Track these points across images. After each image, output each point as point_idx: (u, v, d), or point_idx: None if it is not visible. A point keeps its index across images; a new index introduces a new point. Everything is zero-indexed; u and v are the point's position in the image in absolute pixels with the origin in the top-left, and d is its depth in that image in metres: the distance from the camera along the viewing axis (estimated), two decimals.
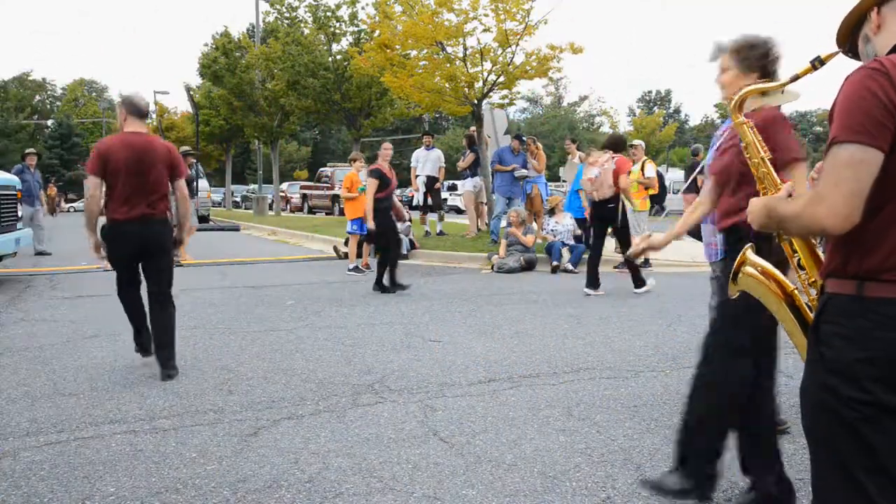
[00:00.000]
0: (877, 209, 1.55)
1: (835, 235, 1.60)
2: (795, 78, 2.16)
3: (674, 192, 20.91)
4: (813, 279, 2.02)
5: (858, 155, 1.51)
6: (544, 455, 3.47)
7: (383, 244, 8.84)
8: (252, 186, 37.99)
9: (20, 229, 9.84)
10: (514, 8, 12.76)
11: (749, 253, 2.30)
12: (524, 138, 12.62)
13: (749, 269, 2.29)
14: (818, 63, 2.03)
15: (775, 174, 2.18)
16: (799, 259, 2.06)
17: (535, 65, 13.36)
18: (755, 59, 2.73)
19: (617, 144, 8.92)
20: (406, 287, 8.62)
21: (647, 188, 10.21)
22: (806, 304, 2.11)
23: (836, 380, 1.59)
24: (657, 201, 11.52)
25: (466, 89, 13.68)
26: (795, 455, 3.44)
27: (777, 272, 2.23)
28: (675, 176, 27.06)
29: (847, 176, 1.51)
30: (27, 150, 13.83)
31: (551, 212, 11.42)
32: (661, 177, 10.96)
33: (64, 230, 19.89)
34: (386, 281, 8.59)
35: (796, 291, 2.15)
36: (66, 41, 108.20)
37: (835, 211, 1.52)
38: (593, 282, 8.44)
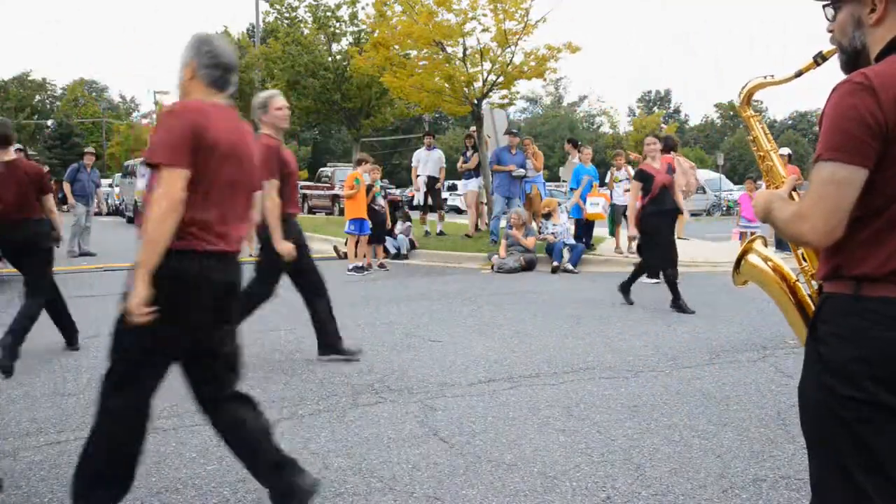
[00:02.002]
0: (867, 221, 1.57)
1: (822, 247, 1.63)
2: (800, 73, 2.17)
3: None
4: (814, 272, 2.03)
5: (840, 173, 1.52)
6: (544, 455, 3.47)
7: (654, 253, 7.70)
8: None
9: None
10: (512, 7, 12.76)
11: (757, 244, 2.31)
12: (515, 132, 12.69)
13: (753, 258, 2.29)
14: (820, 59, 2.04)
15: (781, 168, 2.18)
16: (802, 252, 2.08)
17: (533, 65, 13.36)
18: None
19: (676, 146, 9.71)
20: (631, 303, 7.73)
21: None
22: (808, 295, 2.12)
23: (833, 379, 1.59)
24: None
25: (466, 89, 13.68)
26: (796, 455, 3.44)
27: (781, 263, 2.23)
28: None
29: (828, 194, 1.53)
30: (86, 150, 13.87)
31: (547, 216, 11.42)
32: None
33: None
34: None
35: (799, 283, 2.16)
36: (66, 41, 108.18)
37: (816, 228, 1.55)
38: (655, 272, 8.98)
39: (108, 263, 10.97)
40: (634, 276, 7.88)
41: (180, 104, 2.60)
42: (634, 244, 11.65)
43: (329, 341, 5.35)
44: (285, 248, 4.94)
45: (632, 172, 12.08)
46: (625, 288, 7.81)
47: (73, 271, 10.57)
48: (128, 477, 2.68)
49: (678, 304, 7.32)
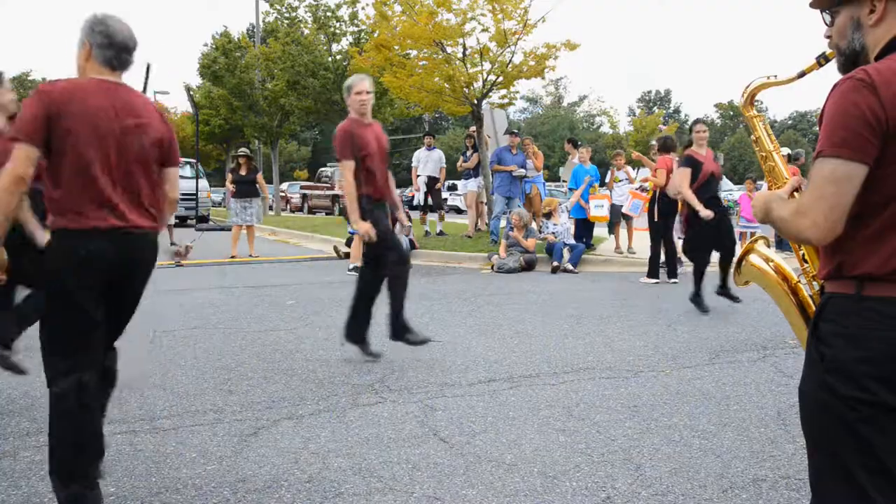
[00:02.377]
0: (868, 219, 1.57)
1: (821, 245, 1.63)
2: (802, 74, 2.17)
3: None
4: (815, 273, 2.03)
5: (841, 170, 1.53)
6: (544, 455, 3.47)
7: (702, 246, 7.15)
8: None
9: None
10: (510, 7, 12.75)
11: (759, 244, 2.31)
12: (516, 132, 12.72)
13: (754, 258, 2.29)
14: (823, 60, 2.04)
15: (783, 169, 2.18)
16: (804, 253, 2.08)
17: (532, 64, 13.36)
18: None
19: (675, 146, 9.68)
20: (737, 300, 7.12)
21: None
22: (809, 296, 2.11)
23: (835, 379, 1.60)
24: None
25: (465, 89, 13.68)
26: (796, 455, 3.44)
27: (783, 264, 2.23)
28: None
29: (829, 191, 1.54)
30: None
31: (548, 215, 11.42)
32: None
33: None
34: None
35: (800, 284, 2.16)
36: (66, 41, 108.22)
37: (817, 223, 1.55)
38: (655, 272, 9.35)
39: None
40: (698, 281, 7.27)
41: (44, 85, 2.69)
42: (634, 245, 11.73)
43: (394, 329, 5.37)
44: (362, 227, 4.96)
45: (631, 173, 12.11)
46: (697, 296, 7.22)
47: None
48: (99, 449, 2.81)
49: (697, 300, 7.15)
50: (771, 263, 2.24)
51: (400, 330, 5.25)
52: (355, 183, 5.05)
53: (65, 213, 2.63)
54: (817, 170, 1.56)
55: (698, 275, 7.24)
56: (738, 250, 2.73)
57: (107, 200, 2.67)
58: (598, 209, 11.50)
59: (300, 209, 30.20)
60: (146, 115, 2.82)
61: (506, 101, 15.15)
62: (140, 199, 2.79)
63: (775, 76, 2.30)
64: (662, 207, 9.11)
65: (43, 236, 4.20)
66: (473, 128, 14.38)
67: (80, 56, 2.76)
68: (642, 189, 11.05)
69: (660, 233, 9.22)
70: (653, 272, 9.35)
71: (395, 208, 5.70)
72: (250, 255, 12.16)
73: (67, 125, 2.60)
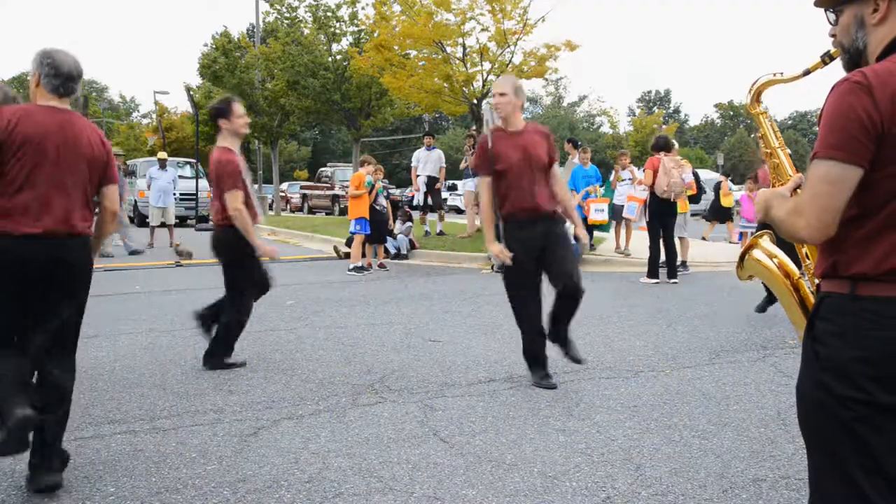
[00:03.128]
0: (862, 220, 1.58)
1: (817, 244, 1.64)
2: (808, 72, 2.18)
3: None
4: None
5: (835, 172, 1.54)
6: (544, 455, 3.47)
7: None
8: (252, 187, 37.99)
9: None
10: (509, 7, 12.76)
11: (763, 240, 2.31)
12: None
13: (757, 253, 2.29)
14: (828, 58, 2.04)
15: (788, 165, 2.18)
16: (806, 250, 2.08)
17: (533, 65, 13.37)
18: None
19: (667, 145, 9.67)
20: None
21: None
22: (811, 292, 2.12)
23: (831, 378, 1.60)
24: (694, 201, 11.34)
25: (465, 89, 13.70)
26: (796, 455, 3.44)
27: (786, 259, 2.24)
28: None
29: (823, 191, 1.55)
30: (115, 152, 13.83)
31: None
32: (696, 177, 10.73)
33: None
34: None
35: (802, 280, 2.16)
36: (66, 41, 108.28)
37: (811, 224, 1.57)
38: (655, 272, 9.30)
39: (108, 263, 10.96)
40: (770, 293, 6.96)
41: None
42: (631, 246, 11.71)
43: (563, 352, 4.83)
44: (493, 248, 4.65)
45: (636, 172, 12.09)
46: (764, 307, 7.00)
47: None
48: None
49: (765, 306, 6.90)
50: (774, 259, 2.24)
51: (555, 336, 4.77)
52: (490, 201, 4.66)
53: (2, 221, 2.93)
54: (813, 171, 1.58)
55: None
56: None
57: (43, 210, 2.98)
58: (598, 213, 11.49)
59: (300, 209, 30.20)
60: (85, 137, 3.15)
61: None
62: (75, 210, 3.09)
63: (781, 73, 2.31)
64: (654, 208, 9.09)
65: None
66: (474, 128, 14.37)
67: (32, 84, 3.13)
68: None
69: (657, 233, 9.20)
70: (653, 272, 9.35)
71: (573, 223, 4.88)
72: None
73: (13, 145, 2.94)
